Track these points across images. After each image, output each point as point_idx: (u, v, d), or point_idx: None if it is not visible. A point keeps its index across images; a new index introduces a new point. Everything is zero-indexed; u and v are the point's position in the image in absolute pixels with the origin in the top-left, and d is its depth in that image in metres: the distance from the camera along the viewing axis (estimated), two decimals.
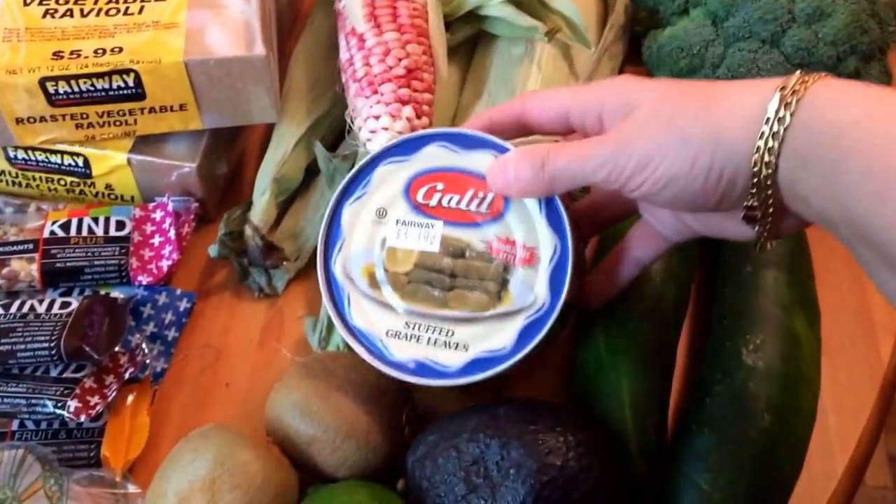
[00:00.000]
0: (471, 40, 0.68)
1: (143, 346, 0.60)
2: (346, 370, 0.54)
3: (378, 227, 0.52)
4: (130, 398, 0.58)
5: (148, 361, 0.60)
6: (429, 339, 0.50)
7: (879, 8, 0.65)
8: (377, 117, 0.57)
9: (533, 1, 0.65)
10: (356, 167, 0.53)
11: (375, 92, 0.58)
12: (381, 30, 0.60)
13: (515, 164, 0.48)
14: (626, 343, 0.55)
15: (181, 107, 0.61)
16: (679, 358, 0.60)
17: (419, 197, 0.52)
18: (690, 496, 0.49)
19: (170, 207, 0.64)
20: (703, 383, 0.55)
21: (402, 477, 0.52)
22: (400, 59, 0.59)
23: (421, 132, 0.53)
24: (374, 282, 0.51)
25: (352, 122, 0.59)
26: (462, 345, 0.50)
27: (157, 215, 0.65)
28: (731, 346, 0.55)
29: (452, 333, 0.50)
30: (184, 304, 0.63)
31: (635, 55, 0.70)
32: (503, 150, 0.51)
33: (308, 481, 0.52)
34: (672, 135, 0.41)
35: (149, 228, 0.65)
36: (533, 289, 0.50)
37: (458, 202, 0.51)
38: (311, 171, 0.65)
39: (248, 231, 0.62)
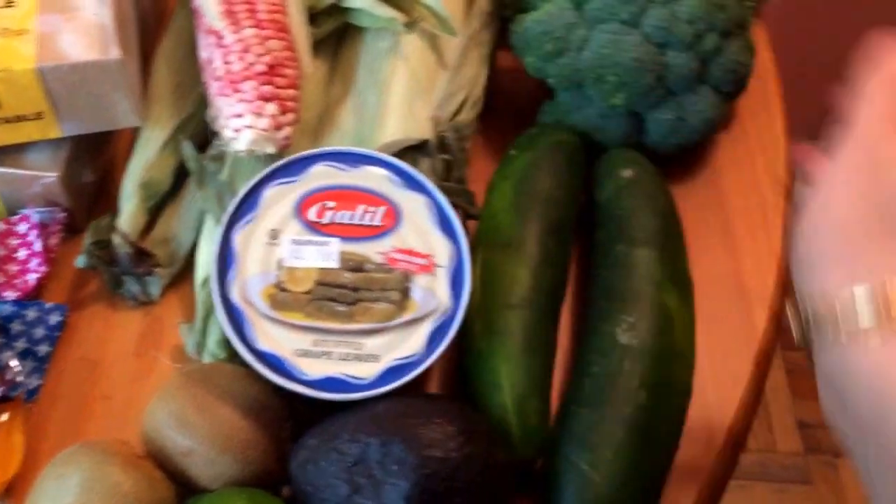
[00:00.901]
0: (338, 34, 0.65)
1: (14, 363, 0.57)
2: (227, 381, 0.51)
3: (273, 249, 0.51)
4: (3, 417, 0.55)
5: (20, 379, 0.56)
6: (339, 354, 0.50)
7: None
8: (240, 115, 0.55)
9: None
10: (241, 192, 0.52)
11: (237, 90, 0.55)
12: (239, 27, 0.57)
13: None
14: (503, 330, 0.54)
15: (37, 115, 0.58)
16: (564, 341, 0.59)
17: (311, 216, 0.52)
18: (571, 477, 0.49)
19: (34, 219, 0.61)
20: (581, 365, 0.55)
21: (286, 484, 0.50)
22: (260, 56, 0.56)
23: (306, 153, 0.53)
24: (275, 303, 0.50)
25: (215, 122, 0.56)
26: (374, 356, 0.50)
27: (22, 228, 0.61)
28: (607, 327, 0.54)
29: (362, 346, 0.50)
30: (55, 318, 0.60)
31: (507, 41, 0.68)
32: (389, 166, 0.53)
33: (186, 495, 0.50)
34: None
35: (13, 242, 0.61)
36: (435, 294, 0.51)
37: (351, 218, 0.52)
38: (182, 175, 0.62)
39: (117, 239, 0.59)
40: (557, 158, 0.61)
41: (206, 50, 0.58)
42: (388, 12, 0.61)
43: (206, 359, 0.56)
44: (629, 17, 0.62)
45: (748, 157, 0.71)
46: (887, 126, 0.40)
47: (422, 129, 0.60)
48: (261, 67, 0.56)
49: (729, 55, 0.64)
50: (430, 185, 0.52)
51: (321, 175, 0.52)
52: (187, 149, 0.58)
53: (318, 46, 0.64)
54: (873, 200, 0.38)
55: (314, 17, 0.64)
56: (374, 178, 0.52)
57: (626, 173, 0.61)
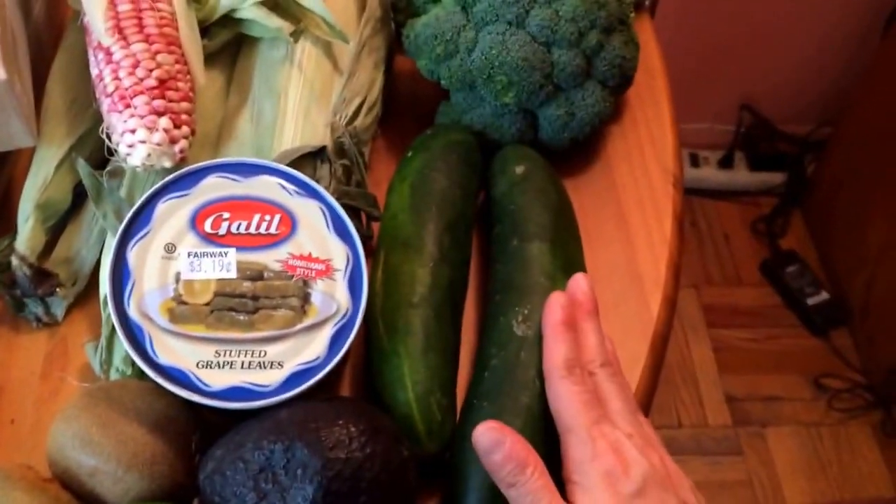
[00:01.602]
0: (233, 44, 0.64)
1: None
2: (132, 398, 0.50)
3: (169, 263, 0.50)
4: None
5: None
6: (242, 363, 0.49)
7: None
8: (133, 131, 0.54)
9: (288, 1, 0.62)
10: (134, 207, 0.51)
11: (128, 106, 0.54)
12: (128, 42, 0.56)
13: (510, 446, 0.45)
14: (405, 329, 0.54)
15: None
16: (470, 336, 0.59)
17: (207, 227, 0.51)
18: (475, 469, 0.49)
19: None
20: (482, 358, 0.55)
21: (197, 496, 0.50)
22: (150, 71, 0.55)
23: (197, 165, 0.52)
24: (174, 317, 0.49)
25: (109, 139, 0.55)
26: (277, 362, 0.49)
27: None
28: (504, 320, 0.54)
29: (265, 353, 0.49)
30: None
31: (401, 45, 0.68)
32: (281, 174, 0.52)
33: None
34: None
35: None
36: (334, 297, 0.51)
37: (248, 227, 0.51)
38: (83, 192, 0.61)
39: (15, 261, 0.57)
40: (451, 158, 0.61)
41: (97, 66, 0.57)
42: (276, 23, 0.60)
43: (113, 376, 0.55)
44: (514, 17, 0.62)
45: (638, 148, 0.72)
46: None
47: (319, 136, 0.60)
48: (151, 82, 0.55)
49: (612, 51, 0.65)
50: (323, 190, 0.52)
51: (214, 187, 0.52)
52: (82, 167, 0.57)
53: (214, 58, 0.64)
54: None
55: (207, 29, 0.63)
56: (267, 187, 0.52)
57: (519, 170, 0.62)
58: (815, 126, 2.06)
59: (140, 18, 0.57)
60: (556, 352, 0.49)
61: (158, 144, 0.54)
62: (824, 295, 1.88)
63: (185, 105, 0.56)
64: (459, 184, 0.60)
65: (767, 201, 2.09)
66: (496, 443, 0.45)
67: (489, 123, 0.65)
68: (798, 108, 2.09)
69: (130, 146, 0.54)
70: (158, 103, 0.55)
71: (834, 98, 2.05)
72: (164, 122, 0.54)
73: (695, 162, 2.10)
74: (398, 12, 0.68)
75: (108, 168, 0.57)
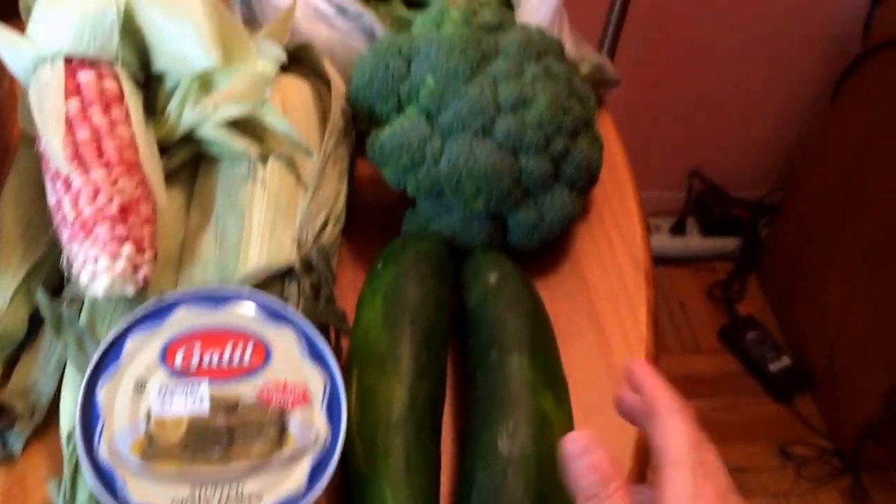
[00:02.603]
0: (193, 161, 0.64)
1: None
2: None
3: (140, 400, 0.48)
4: None
5: None
6: (219, 498, 0.47)
7: (578, 86, 0.67)
8: (95, 260, 0.52)
9: (249, 120, 0.62)
10: (102, 344, 0.49)
11: (89, 235, 0.53)
12: (88, 169, 0.55)
13: (600, 456, 0.44)
14: (385, 451, 0.53)
15: None
16: (449, 447, 0.58)
17: (178, 361, 0.49)
18: None
19: None
20: (467, 476, 0.54)
21: None
22: (111, 198, 0.54)
23: (167, 297, 0.51)
24: (146, 455, 0.47)
25: (70, 268, 0.53)
26: (255, 496, 0.47)
27: None
28: (488, 435, 0.53)
29: (242, 488, 0.47)
30: None
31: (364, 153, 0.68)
32: (252, 301, 0.51)
33: None
34: None
35: None
36: (313, 426, 0.49)
37: (220, 358, 0.50)
38: (38, 321, 0.59)
39: None
40: (423, 268, 0.61)
41: (55, 195, 0.55)
42: (240, 145, 0.60)
43: None
44: (480, 126, 0.62)
45: (607, 242, 0.72)
46: None
47: (286, 253, 0.59)
48: (113, 210, 0.54)
49: (578, 153, 0.65)
50: (297, 315, 0.51)
51: (184, 318, 0.50)
52: (41, 297, 0.55)
53: (173, 176, 0.63)
54: None
55: (167, 149, 0.62)
56: (238, 315, 0.51)
57: (492, 278, 0.61)
58: (767, 190, 2.09)
59: (100, 144, 0.56)
60: (664, 389, 0.47)
61: (121, 273, 0.52)
62: (786, 360, 1.88)
63: (147, 229, 0.55)
64: (433, 295, 0.60)
65: (722, 266, 2.11)
66: (585, 449, 0.44)
67: (458, 230, 0.65)
68: (749, 172, 2.12)
69: (92, 276, 0.52)
70: (120, 231, 0.54)
71: (785, 162, 2.08)
72: (127, 249, 0.53)
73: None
74: (359, 121, 0.68)
75: (67, 297, 0.55)
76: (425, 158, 0.63)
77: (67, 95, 0.58)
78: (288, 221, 0.61)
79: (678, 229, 2.07)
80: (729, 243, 2.12)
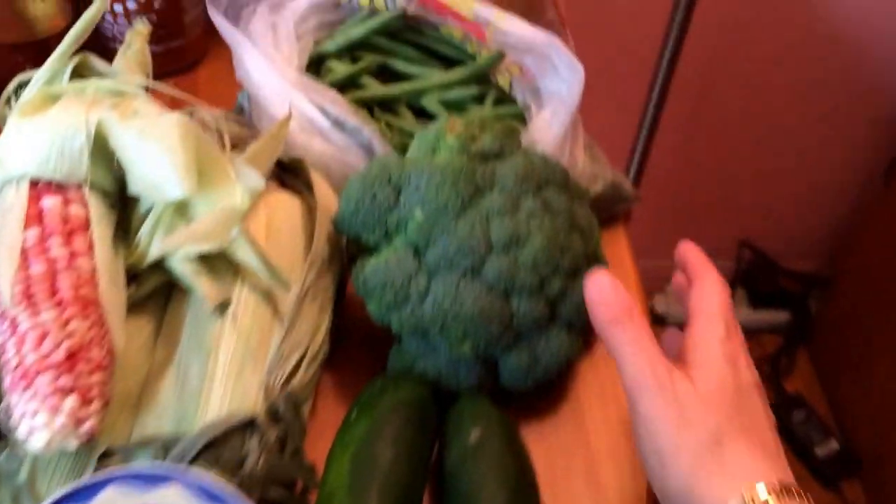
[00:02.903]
0: (166, 287, 0.60)
1: None
2: None
3: None
4: None
5: None
6: None
7: (581, 217, 0.62)
8: (34, 414, 0.49)
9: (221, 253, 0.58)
10: None
11: (30, 385, 0.49)
12: (38, 309, 0.51)
13: (623, 292, 0.49)
14: None
15: None
16: None
17: None
18: None
19: None
20: None
21: None
22: (59, 343, 0.50)
23: (95, 478, 0.46)
24: None
25: (8, 419, 0.50)
26: None
27: None
28: None
29: None
30: None
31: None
32: (190, 485, 0.46)
33: None
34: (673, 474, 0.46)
35: None
36: None
37: None
38: None
39: None
40: (399, 422, 0.56)
41: (1, 336, 0.52)
42: (201, 287, 0.56)
43: None
44: (469, 266, 0.57)
45: (611, 381, 0.67)
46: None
47: (251, 400, 0.54)
48: (59, 356, 0.50)
49: (578, 293, 0.60)
50: (242, 500, 0.47)
51: (113, 500, 0.46)
52: None
53: (143, 304, 0.59)
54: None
55: (137, 275, 0.58)
56: (174, 499, 0.46)
57: (473, 436, 0.56)
58: (819, 263, 2.02)
59: (54, 280, 0.53)
60: (707, 263, 0.54)
61: (61, 429, 0.49)
62: (834, 444, 1.80)
63: (97, 377, 0.51)
64: (408, 455, 0.55)
65: (770, 340, 2.03)
66: (607, 285, 0.49)
67: (444, 372, 0.60)
68: (800, 244, 2.05)
69: (31, 431, 0.49)
70: (65, 381, 0.50)
71: (837, 235, 2.02)
72: (70, 402, 0.49)
73: None
74: (349, 244, 0.64)
75: (6, 452, 0.52)
76: (409, 297, 0.58)
77: (28, 224, 0.55)
78: (257, 363, 0.56)
79: None
80: (778, 316, 2.04)
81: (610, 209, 0.76)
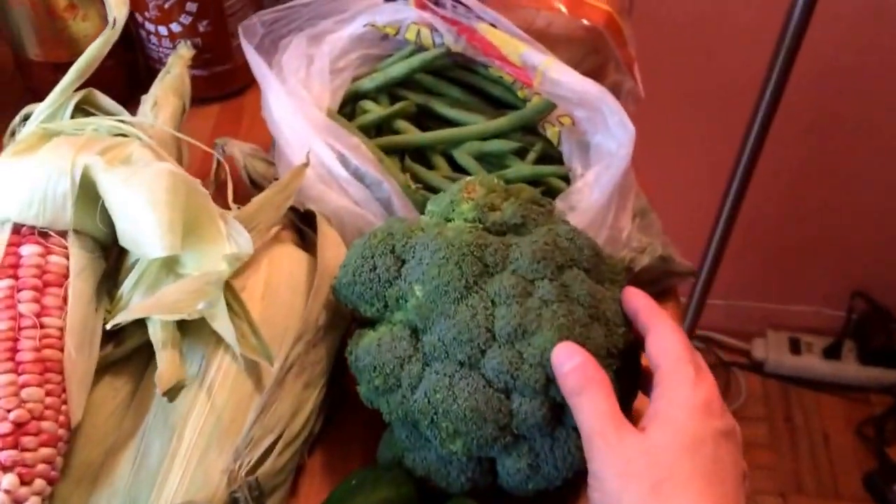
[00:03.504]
0: (149, 346, 0.56)
1: None
2: None
3: None
4: None
5: None
6: None
7: (607, 305, 0.56)
8: None
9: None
10: None
11: None
12: None
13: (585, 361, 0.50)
14: None
15: None
16: None
17: None
18: None
19: None
20: None
21: None
22: (8, 412, 0.48)
23: None
24: None
25: None
26: None
27: None
28: None
29: None
30: None
31: None
32: None
33: None
34: None
35: None
36: None
37: None
38: None
39: None
40: None
41: None
42: (160, 364, 0.51)
43: None
44: (466, 358, 0.52)
45: None
46: None
47: (212, 487, 0.51)
48: (5, 427, 0.47)
49: None
50: None
51: None
52: None
53: (125, 362, 0.56)
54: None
55: (121, 330, 0.55)
56: None
57: None
58: None
59: (16, 341, 0.50)
60: (655, 308, 0.54)
61: None
62: None
63: (44, 452, 0.48)
64: None
65: (879, 400, 1.90)
66: (571, 355, 0.50)
67: (434, 469, 0.55)
68: None
69: None
70: (6, 455, 0.47)
71: None
72: (8, 480, 0.46)
73: (796, 348, 1.94)
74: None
75: None
76: (401, 384, 0.53)
77: (1, 274, 0.53)
78: (226, 443, 0.52)
79: (833, 352, 1.90)
80: (889, 375, 1.91)
81: (657, 284, 0.69)
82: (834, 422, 1.88)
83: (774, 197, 1.71)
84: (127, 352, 0.56)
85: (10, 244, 0.54)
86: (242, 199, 0.65)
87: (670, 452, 0.46)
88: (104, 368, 0.55)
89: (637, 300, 0.54)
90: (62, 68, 0.79)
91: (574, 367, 0.50)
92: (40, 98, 0.64)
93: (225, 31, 0.83)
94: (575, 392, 0.49)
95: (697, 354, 0.51)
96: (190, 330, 0.55)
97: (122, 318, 0.51)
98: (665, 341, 0.51)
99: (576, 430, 0.54)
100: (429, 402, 0.52)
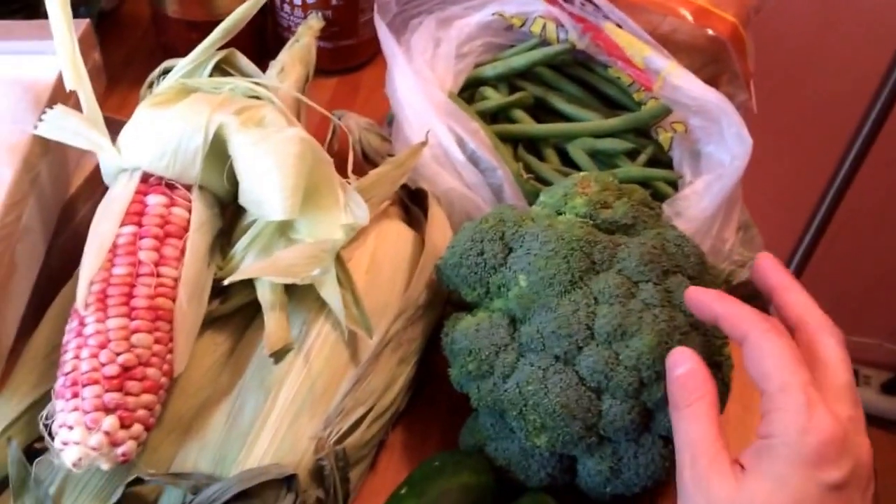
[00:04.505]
0: (253, 306, 0.54)
1: None
2: None
3: None
4: None
5: None
6: None
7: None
8: (72, 427, 0.44)
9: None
10: None
11: (75, 395, 0.45)
12: (107, 314, 0.47)
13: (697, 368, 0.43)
14: None
15: None
16: None
17: None
18: None
19: None
20: None
21: None
22: (117, 355, 0.46)
23: None
24: None
25: (49, 424, 0.46)
26: None
27: None
28: None
29: None
30: None
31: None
32: None
33: None
34: None
35: None
36: None
37: None
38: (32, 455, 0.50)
39: None
40: None
41: (67, 334, 0.48)
42: (269, 326, 0.49)
43: None
44: (563, 352, 0.48)
45: None
46: None
47: (298, 454, 0.48)
48: (112, 369, 0.46)
49: None
50: None
51: None
52: (12, 449, 0.47)
53: (226, 319, 0.54)
54: None
55: (226, 289, 0.53)
56: None
57: None
58: None
59: (132, 287, 0.48)
60: (748, 311, 0.43)
61: (96, 448, 0.44)
62: None
63: (145, 398, 0.47)
64: None
65: None
66: (684, 360, 0.43)
67: (515, 461, 0.52)
68: None
69: (65, 444, 0.44)
70: (110, 398, 0.45)
71: None
72: (109, 422, 0.45)
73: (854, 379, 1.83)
74: (453, 291, 0.56)
75: (44, 456, 0.47)
76: (493, 371, 0.50)
77: (126, 220, 0.51)
78: (317, 410, 0.50)
79: (892, 388, 1.77)
80: None
81: (751, 300, 0.64)
82: (886, 459, 1.77)
83: (853, 229, 1.62)
84: (231, 309, 0.54)
85: (137, 192, 0.52)
86: (355, 171, 0.62)
87: None
88: (207, 323, 0.53)
89: (716, 305, 0.44)
90: (196, 26, 0.79)
91: (687, 372, 0.42)
92: (172, 53, 0.63)
93: (355, 6, 0.81)
94: (681, 403, 0.42)
95: (807, 372, 0.40)
96: (294, 295, 0.53)
97: (238, 275, 0.49)
98: (766, 360, 0.40)
99: (663, 438, 0.50)
100: (520, 392, 0.49)
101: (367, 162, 0.69)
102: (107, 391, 0.45)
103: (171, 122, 0.53)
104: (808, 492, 0.37)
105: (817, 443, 0.37)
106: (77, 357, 0.46)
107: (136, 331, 0.47)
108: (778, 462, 0.38)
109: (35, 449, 0.49)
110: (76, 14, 0.55)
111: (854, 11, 1.35)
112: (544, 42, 0.71)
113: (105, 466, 0.45)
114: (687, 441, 0.41)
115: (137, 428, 0.46)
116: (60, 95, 0.57)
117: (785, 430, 0.38)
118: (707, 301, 0.44)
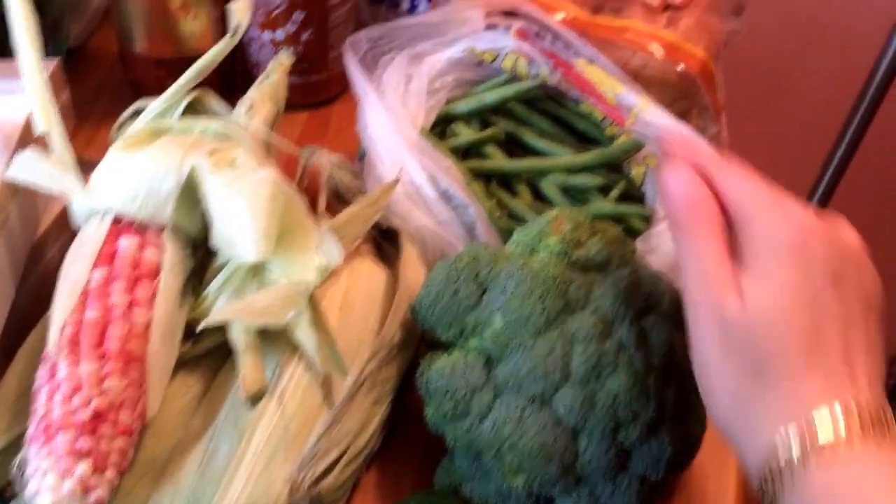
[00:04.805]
0: (225, 348, 0.54)
1: None
2: None
3: None
4: None
5: None
6: None
7: (683, 355, 0.52)
8: (45, 473, 0.44)
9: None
10: None
11: (49, 441, 0.45)
12: (79, 358, 0.47)
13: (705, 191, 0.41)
14: None
15: None
16: None
17: None
18: None
19: None
20: None
21: None
22: (89, 401, 0.46)
23: None
24: None
25: (22, 470, 0.46)
26: None
27: None
28: None
29: None
30: None
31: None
32: None
33: None
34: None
35: None
36: None
37: None
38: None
39: None
40: None
41: (39, 379, 0.48)
42: (244, 369, 0.50)
43: None
44: (539, 393, 0.49)
45: None
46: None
47: (272, 497, 0.49)
48: (85, 415, 0.46)
49: (658, 447, 0.51)
50: None
51: None
52: None
53: (198, 362, 0.54)
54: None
55: (200, 331, 0.53)
56: None
57: None
58: None
59: (105, 329, 0.49)
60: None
61: (68, 495, 0.44)
62: None
63: (119, 442, 0.47)
64: None
65: None
66: (690, 181, 0.41)
67: (492, 502, 0.52)
68: None
69: (37, 490, 0.45)
70: (83, 443, 0.45)
71: None
72: (82, 468, 0.45)
73: None
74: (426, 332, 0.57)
75: (13, 502, 0.48)
76: (469, 412, 0.51)
77: (98, 262, 0.51)
78: (290, 453, 0.50)
79: (888, 394, 1.79)
80: None
81: None
82: None
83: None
84: (202, 351, 0.54)
85: (109, 234, 0.53)
86: (326, 208, 0.64)
87: (769, 327, 0.38)
88: (179, 365, 0.53)
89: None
90: (164, 63, 0.79)
91: (685, 190, 0.41)
92: (140, 89, 0.63)
93: (325, 42, 0.82)
94: (677, 224, 0.41)
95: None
96: (266, 336, 0.53)
97: (212, 318, 0.49)
98: (738, 192, 0.40)
99: (640, 478, 0.51)
100: (496, 433, 0.50)
101: (338, 199, 0.70)
102: (80, 436, 0.46)
103: (144, 165, 0.54)
104: (806, 291, 0.38)
105: (798, 226, 0.39)
106: (49, 402, 0.47)
107: (108, 374, 0.48)
108: (767, 274, 0.38)
109: (5, 496, 0.50)
110: (44, 52, 0.56)
111: (827, 38, 1.39)
112: (515, 78, 0.72)
113: None
114: (698, 272, 0.41)
115: (111, 472, 0.46)
116: (30, 135, 0.57)
117: (758, 239, 0.39)
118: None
